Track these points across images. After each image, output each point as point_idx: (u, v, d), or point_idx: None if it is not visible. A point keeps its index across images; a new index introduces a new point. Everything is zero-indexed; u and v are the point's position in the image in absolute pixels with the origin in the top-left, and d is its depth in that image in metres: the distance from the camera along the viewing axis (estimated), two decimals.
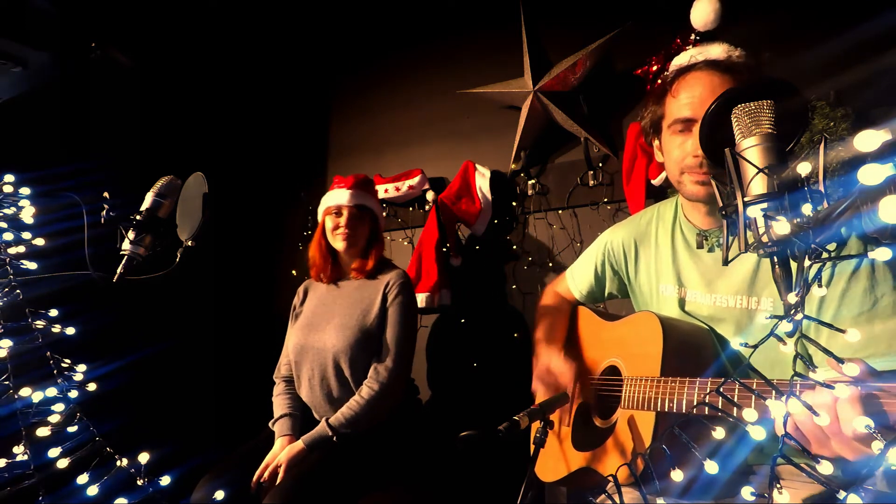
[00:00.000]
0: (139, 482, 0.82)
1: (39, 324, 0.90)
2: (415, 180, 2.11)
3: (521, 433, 0.90)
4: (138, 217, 1.02)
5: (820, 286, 0.49)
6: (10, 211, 0.93)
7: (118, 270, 1.00)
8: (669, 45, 1.63)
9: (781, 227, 0.49)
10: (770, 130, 0.56)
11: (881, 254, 0.44)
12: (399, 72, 2.37)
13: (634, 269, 1.15)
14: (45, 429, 0.86)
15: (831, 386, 0.51)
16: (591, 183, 1.88)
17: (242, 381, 2.21)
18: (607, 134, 1.88)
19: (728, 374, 0.74)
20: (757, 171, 0.54)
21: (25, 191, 0.96)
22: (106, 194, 1.01)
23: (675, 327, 0.95)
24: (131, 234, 1.02)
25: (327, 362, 1.48)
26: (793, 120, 0.59)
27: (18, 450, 0.86)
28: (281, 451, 1.36)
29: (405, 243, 2.24)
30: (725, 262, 0.59)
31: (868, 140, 0.40)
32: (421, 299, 1.91)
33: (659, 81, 1.20)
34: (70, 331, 0.92)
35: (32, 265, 0.93)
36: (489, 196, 2.01)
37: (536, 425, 0.97)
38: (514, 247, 2.02)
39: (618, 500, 0.59)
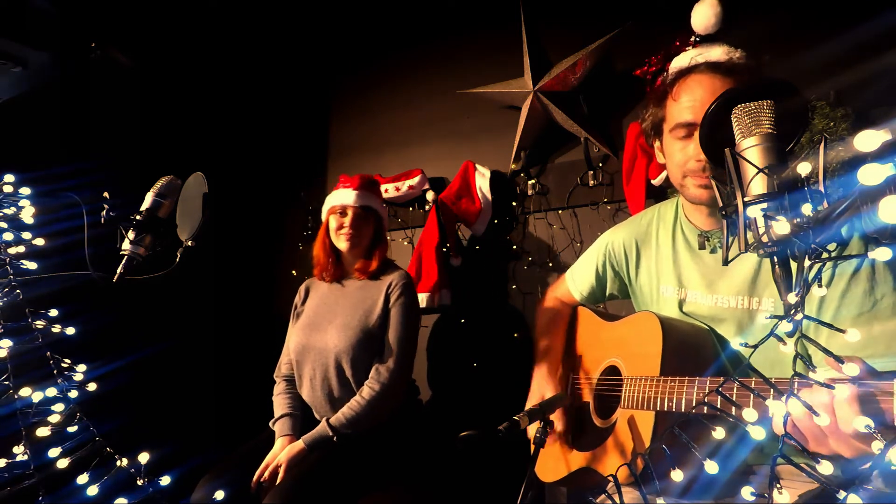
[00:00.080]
0: (139, 482, 0.82)
1: (39, 324, 0.90)
2: (415, 180, 2.11)
3: (521, 433, 0.90)
4: (138, 217, 1.02)
5: (820, 286, 0.49)
6: (10, 211, 0.93)
7: (118, 270, 1.00)
8: (669, 46, 1.63)
9: (781, 227, 0.49)
10: (770, 130, 0.56)
11: (881, 254, 0.44)
12: (399, 72, 2.36)
13: (635, 269, 1.15)
14: (45, 429, 0.86)
15: (831, 386, 0.52)
16: (591, 183, 1.88)
17: (242, 381, 2.21)
18: (607, 134, 1.88)
19: (728, 374, 0.74)
20: (757, 171, 0.54)
21: (25, 191, 0.96)
22: (106, 194, 1.01)
23: (674, 327, 0.95)
24: (131, 234, 1.02)
25: (329, 362, 1.48)
26: (793, 120, 0.59)
27: (18, 450, 0.86)
28: (281, 451, 1.36)
29: (405, 243, 2.24)
30: (725, 261, 0.59)
31: (868, 140, 0.40)
32: (421, 299, 1.91)
33: (659, 82, 1.20)
34: (70, 331, 0.92)
35: (32, 265, 0.93)
36: (489, 196, 2.01)
37: (536, 425, 0.97)
38: (514, 247, 2.02)
39: (618, 500, 0.59)
